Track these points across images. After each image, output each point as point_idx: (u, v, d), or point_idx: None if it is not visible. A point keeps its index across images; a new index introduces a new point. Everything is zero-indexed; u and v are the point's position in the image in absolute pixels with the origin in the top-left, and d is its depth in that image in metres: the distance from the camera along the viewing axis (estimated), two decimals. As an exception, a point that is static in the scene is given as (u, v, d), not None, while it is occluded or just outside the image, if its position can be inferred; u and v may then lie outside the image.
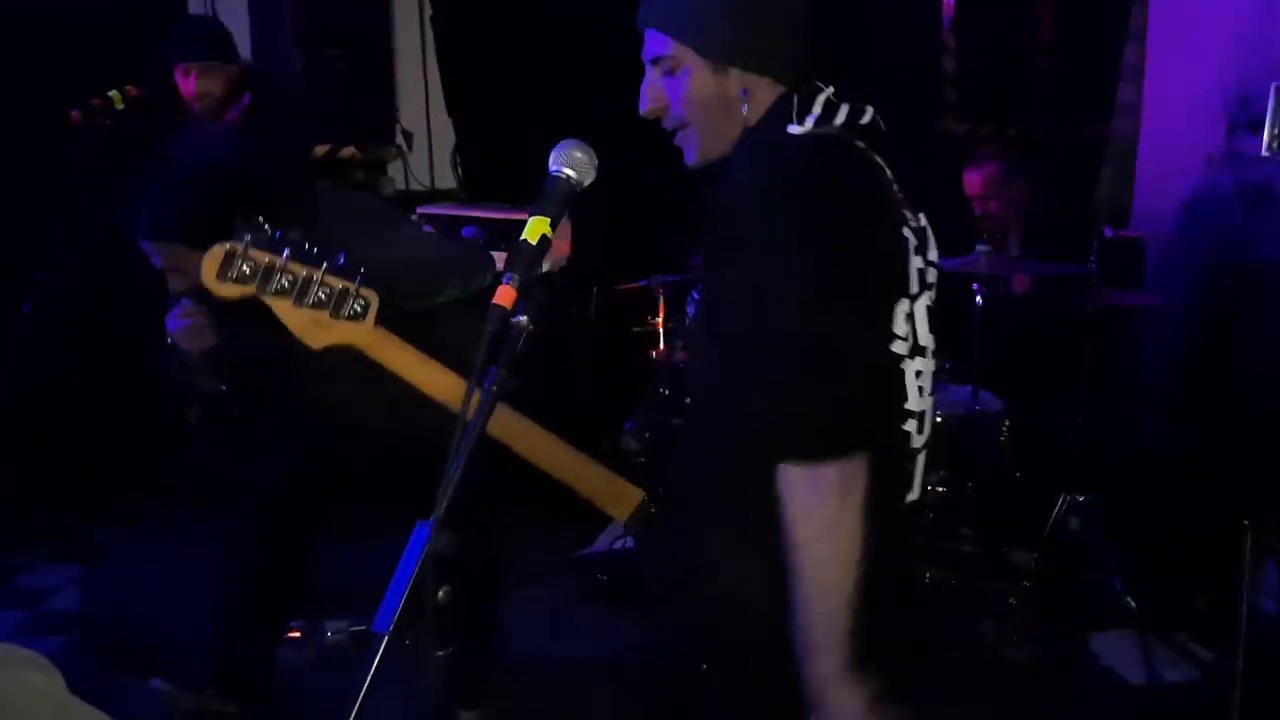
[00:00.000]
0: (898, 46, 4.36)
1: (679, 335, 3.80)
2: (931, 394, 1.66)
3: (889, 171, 1.59)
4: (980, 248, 3.52)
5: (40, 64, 4.01)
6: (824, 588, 1.44)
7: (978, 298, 3.52)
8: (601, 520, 1.73)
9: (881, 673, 1.47)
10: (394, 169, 5.02)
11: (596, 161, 1.53)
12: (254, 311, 1.73)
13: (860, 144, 1.57)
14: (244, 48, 4.15)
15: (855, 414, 1.45)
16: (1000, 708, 3.08)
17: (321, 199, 2.70)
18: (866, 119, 1.61)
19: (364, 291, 1.71)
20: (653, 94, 1.65)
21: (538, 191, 1.51)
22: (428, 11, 4.99)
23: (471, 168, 5.15)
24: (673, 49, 1.60)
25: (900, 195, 1.60)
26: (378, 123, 4.81)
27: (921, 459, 1.64)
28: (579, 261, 2.04)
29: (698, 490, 1.66)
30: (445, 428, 1.37)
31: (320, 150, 4.56)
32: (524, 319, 1.41)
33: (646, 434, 3.35)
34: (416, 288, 2.49)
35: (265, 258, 1.68)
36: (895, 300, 1.55)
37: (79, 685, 1.18)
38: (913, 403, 1.58)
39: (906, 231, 1.59)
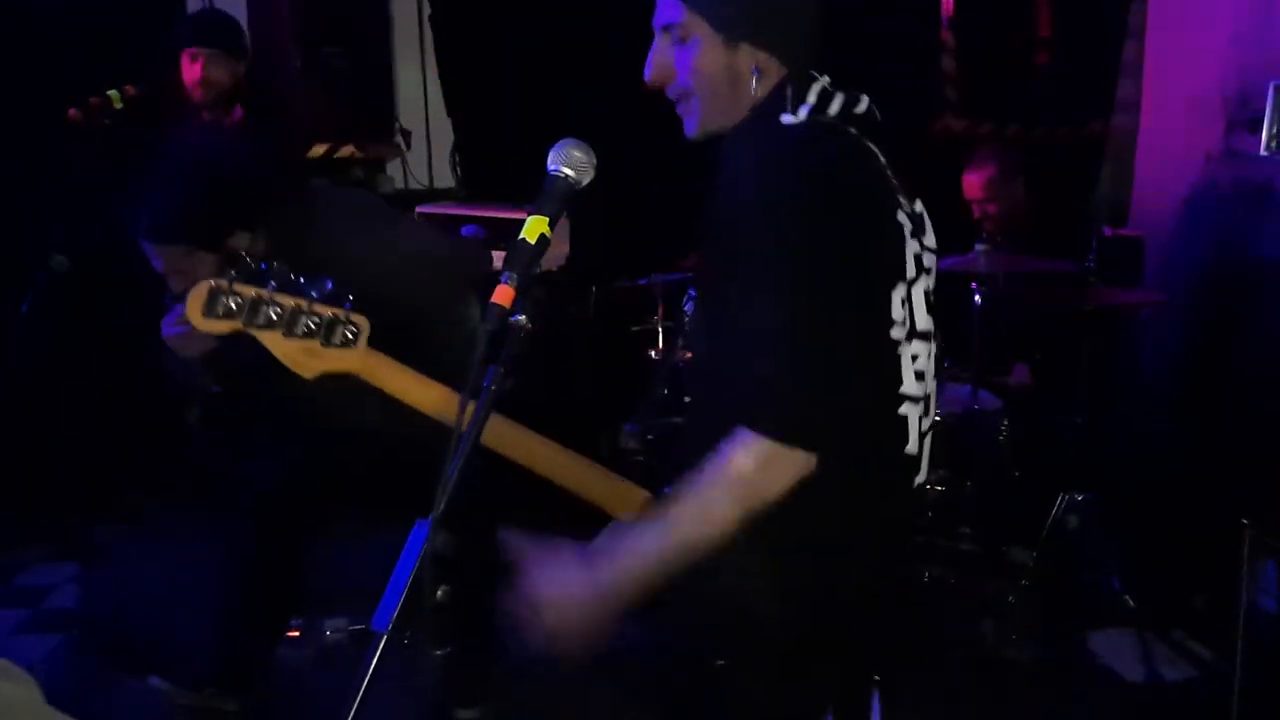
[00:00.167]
0: (897, 45, 4.36)
1: (678, 334, 3.79)
2: (934, 377, 1.65)
3: (883, 158, 1.59)
4: (979, 247, 3.52)
5: (39, 63, 4.00)
6: (683, 536, 1.47)
7: (976, 297, 3.52)
8: (602, 520, 1.72)
9: (881, 674, 1.47)
10: (393, 168, 5.03)
11: (595, 161, 1.53)
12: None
13: (854, 131, 1.57)
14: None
15: (828, 416, 1.46)
16: (999, 706, 3.08)
17: (320, 198, 2.70)
18: (861, 108, 1.60)
19: (354, 317, 1.69)
20: (660, 61, 1.63)
21: (536, 191, 1.50)
22: (427, 11, 4.99)
23: (470, 167, 5.14)
24: (684, 17, 1.58)
25: (895, 182, 1.60)
26: (376, 122, 4.81)
27: (928, 442, 1.64)
28: (578, 260, 2.03)
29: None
30: (443, 430, 1.36)
31: (319, 149, 4.56)
32: (523, 318, 1.41)
33: (648, 435, 3.34)
34: (416, 286, 2.49)
35: (251, 291, 1.65)
36: (892, 285, 1.55)
37: (78, 684, 1.18)
38: (909, 387, 1.57)
39: (902, 217, 1.58)
